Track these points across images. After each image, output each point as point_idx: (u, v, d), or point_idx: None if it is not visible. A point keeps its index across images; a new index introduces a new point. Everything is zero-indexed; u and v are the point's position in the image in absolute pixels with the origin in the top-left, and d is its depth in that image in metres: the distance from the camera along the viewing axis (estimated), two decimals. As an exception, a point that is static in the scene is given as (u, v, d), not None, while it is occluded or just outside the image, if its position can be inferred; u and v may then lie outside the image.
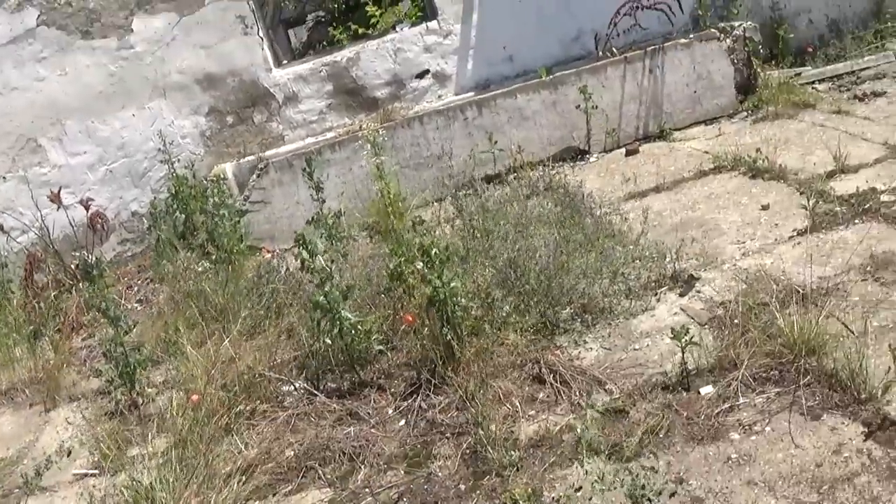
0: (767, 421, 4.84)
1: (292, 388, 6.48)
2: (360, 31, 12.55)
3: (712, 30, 10.84)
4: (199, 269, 8.61)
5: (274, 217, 10.41)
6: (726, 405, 5.04)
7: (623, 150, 10.53)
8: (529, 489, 4.68)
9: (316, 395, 6.26)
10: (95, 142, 11.00)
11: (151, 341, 7.77)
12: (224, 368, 6.53)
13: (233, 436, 5.97)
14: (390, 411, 5.97)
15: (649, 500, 4.39)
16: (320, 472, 5.47)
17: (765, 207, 7.67)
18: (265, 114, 11.22)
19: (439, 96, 11.40)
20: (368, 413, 5.95)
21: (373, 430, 5.75)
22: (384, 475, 5.30)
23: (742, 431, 4.81)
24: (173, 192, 10.12)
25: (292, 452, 5.71)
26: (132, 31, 10.82)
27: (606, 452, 4.84)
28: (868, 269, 6.17)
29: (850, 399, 4.80)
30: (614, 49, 10.94)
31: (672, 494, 4.44)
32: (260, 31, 11.01)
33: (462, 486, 4.99)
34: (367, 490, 5.19)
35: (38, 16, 10.64)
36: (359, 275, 7.46)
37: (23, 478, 6.28)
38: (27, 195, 10.81)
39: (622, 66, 10.67)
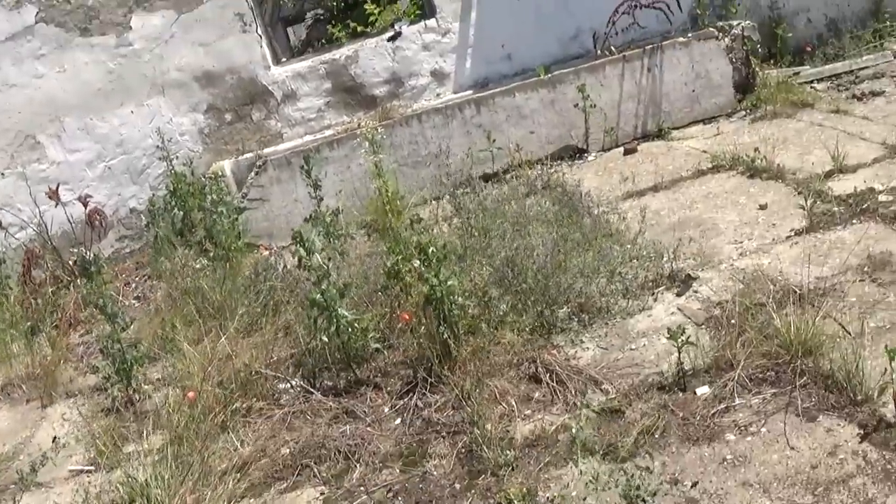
0: (763, 422, 4.83)
1: (288, 385, 6.48)
2: (359, 29, 12.56)
3: (711, 29, 10.84)
4: (197, 266, 8.61)
5: (272, 215, 10.42)
6: (722, 406, 5.03)
7: (621, 148, 10.53)
8: (524, 489, 4.67)
9: (312, 393, 6.26)
10: (94, 139, 11.01)
11: (148, 338, 7.77)
12: (221, 366, 6.52)
13: (229, 433, 5.97)
14: (386, 410, 5.96)
15: (644, 500, 4.39)
16: (315, 470, 5.47)
17: (762, 207, 7.67)
18: (264, 111, 11.22)
19: (438, 94, 11.40)
20: (364, 411, 5.95)
21: (368, 429, 5.75)
22: (379, 474, 5.30)
23: (738, 432, 4.81)
24: (171, 189, 10.12)
25: (288, 450, 5.71)
26: (131, 28, 10.82)
27: (601, 452, 4.84)
28: (865, 269, 6.17)
29: (846, 400, 4.80)
30: (613, 48, 10.94)
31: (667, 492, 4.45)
32: (258, 28, 11.01)
33: (457, 486, 4.99)
34: (362, 488, 5.20)
35: (37, 13, 10.64)
36: (356, 273, 7.46)
37: (18, 474, 6.27)
38: (26, 191, 10.81)
39: (621, 64, 10.67)
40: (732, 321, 5.75)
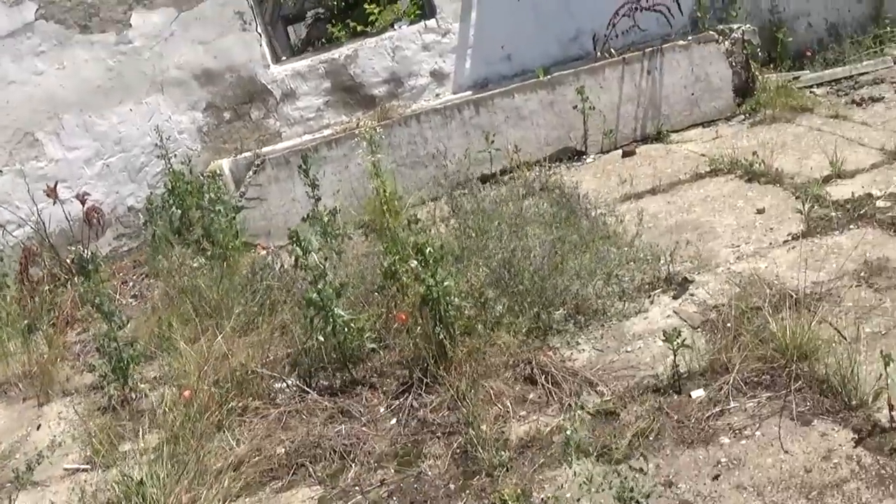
0: (758, 425, 4.84)
1: (284, 385, 6.48)
2: (359, 28, 12.57)
3: (711, 32, 10.84)
4: (195, 264, 8.60)
5: (270, 214, 10.42)
6: (717, 409, 5.04)
7: (620, 151, 10.53)
8: (519, 490, 4.68)
9: (308, 393, 6.27)
10: (93, 136, 11.00)
11: (145, 337, 7.77)
12: (217, 365, 6.52)
13: (224, 432, 5.98)
14: (382, 410, 5.97)
15: (638, 502, 4.39)
16: (311, 469, 5.49)
17: (760, 211, 7.68)
18: (263, 110, 11.22)
19: (437, 95, 11.40)
20: (360, 411, 5.96)
21: (364, 429, 5.75)
22: (374, 473, 5.31)
23: (732, 435, 4.82)
24: (170, 187, 10.11)
25: (283, 450, 5.72)
26: (130, 25, 10.81)
27: (596, 454, 4.85)
28: (862, 274, 6.18)
29: (840, 405, 4.81)
30: (612, 50, 10.95)
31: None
32: (258, 27, 11.01)
33: (452, 486, 5.00)
34: (357, 488, 5.20)
35: (37, 10, 10.63)
36: (353, 273, 7.46)
37: (14, 472, 6.26)
38: (24, 189, 10.81)
39: (620, 67, 10.67)
40: (728, 324, 5.77)
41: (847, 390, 4.82)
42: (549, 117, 10.64)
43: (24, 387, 7.88)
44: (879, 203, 7.23)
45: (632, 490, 4.43)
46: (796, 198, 7.65)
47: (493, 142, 10.14)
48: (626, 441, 4.87)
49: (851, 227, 6.97)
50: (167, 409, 6.14)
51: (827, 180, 7.96)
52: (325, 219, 8.08)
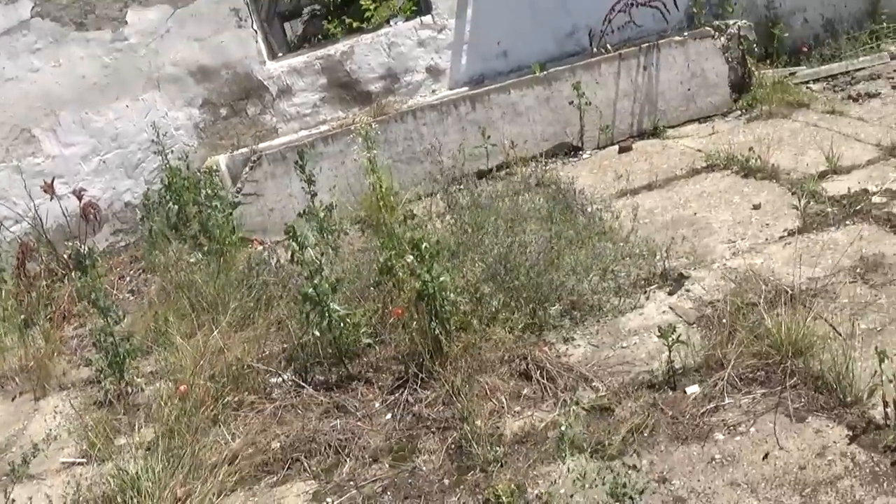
0: (752, 422, 4.85)
1: (280, 379, 6.49)
2: (355, 24, 12.56)
3: (707, 28, 10.83)
4: (191, 260, 8.62)
5: (266, 209, 10.41)
6: (712, 405, 5.05)
7: (616, 146, 10.51)
8: (513, 485, 4.69)
9: (303, 388, 6.28)
10: (89, 133, 10.99)
11: (141, 332, 7.78)
12: (213, 359, 6.54)
13: (220, 427, 5.98)
14: (377, 405, 5.98)
15: (631, 498, 4.40)
16: (306, 464, 5.50)
17: (756, 207, 7.68)
18: (259, 106, 11.21)
19: (433, 91, 11.39)
20: (355, 406, 5.97)
21: (359, 424, 5.77)
22: (369, 468, 5.33)
23: (727, 432, 4.82)
24: (166, 183, 10.10)
25: (278, 444, 5.73)
26: (126, 22, 10.79)
27: (590, 450, 4.85)
28: (857, 270, 6.18)
29: (835, 402, 4.82)
30: (609, 46, 10.93)
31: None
32: (254, 23, 11.00)
33: (446, 481, 5.01)
34: (351, 483, 5.22)
35: (33, 7, 10.61)
36: (349, 268, 7.47)
37: (10, 465, 6.28)
38: (20, 185, 10.81)
39: (616, 62, 10.66)
40: (724, 320, 5.77)
41: (842, 387, 4.82)
42: (546, 113, 10.63)
43: (21, 381, 7.88)
44: (875, 199, 7.23)
45: (625, 486, 4.44)
46: (792, 193, 7.63)
47: (489, 137, 10.13)
48: (620, 437, 4.89)
49: (847, 223, 6.97)
50: (163, 404, 6.14)
51: (823, 176, 7.96)
52: (322, 214, 8.08)
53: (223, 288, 7.77)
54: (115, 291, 9.58)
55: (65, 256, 9.87)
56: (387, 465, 5.31)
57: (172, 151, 10.57)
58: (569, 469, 4.73)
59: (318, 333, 6.30)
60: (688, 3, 11.25)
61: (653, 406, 5.16)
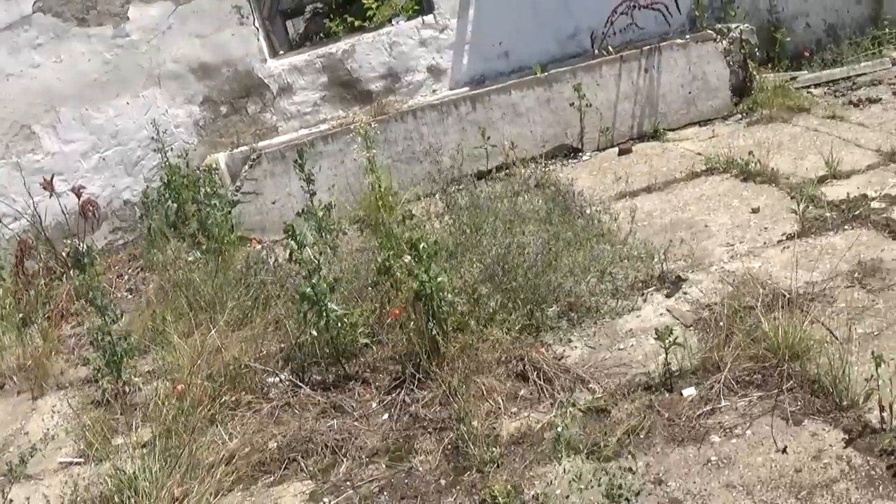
0: (748, 424, 4.85)
1: (277, 379, 6.49)
2: (357, 23, 12.57)
3: (709, 31, 10.83)
4: (190, 258, 8.62)
5: (265, 208, 10.41)
6: (708, 407, 5.06)
7: (616, 149, 10.52)
8: (509, 486, 4.69)
9: (301, 387, 6.28)
10: (89, 129, 10.99)
11: (139, 331, 7.77)
12: (210, 359, 6.54)
13: (217, 426, 5.99)
14: (374, 405, 5.99)
15: (627, 499, 4.41)
16: (302, 463, 5.50)
17: (755, 210, 7.68)
18: (259, 104, 11.21)
19: (434, 91, 11.39)
20: (352, 406, 5.97)
21: (356, 424, 5.77)
22: (366, 468, 5.33)
23: (723, 434, 4.83)
24: (166, 181, 10.10)
25: (275, 444, 5.73)
26: (128, 19, 10.79)
27: (586, 451, 4.86)
28: (855, 275, 6.19)
29: (831, 405, 4.82)
30: (610, 48, 10.93)
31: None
32: (255, 21, 11.00)
33: (442, 482, 5.02)
34: (348, 483, 5.22)
35: (34, 2, 10.61)
36: (347, 267, 7.47)
37: (8, 465, 6.28)
38: (20, 182, 10.79)
39: (618, 64, 10.66)
40: (721, 323, 5.79)
41: (838, 391, 4.83)
42: (546, 114, 10.64)
43: (19, 380, 7.88)
44: (874, 204, 7.24)
45: (621, 487, 4.45)
46: (791, 198, 7.63)
47: (489, 138, 10.14)
48: (616, 438, 4.89)
49: (846, 227, 6.98)
50: (160, 403, 6.14)
51: (822, 181, 7.97)
52: (320, 213, 8.08)
53: (221, 287, 7.77)
54: (113, 290, 9.58)
55: (63, 254, 9.86)
56: (383, 466, 5.31)
57: (172, 149, 10.58)
58: (565, 470, 4.73)
59: (315, 333, 6.30)
60: (690, 6, 11.26)
61: (649, 408, 5.16)
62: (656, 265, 6.90)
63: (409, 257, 5.97)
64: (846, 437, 4.56)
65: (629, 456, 4.79)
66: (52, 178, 10.25)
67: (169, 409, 5.99)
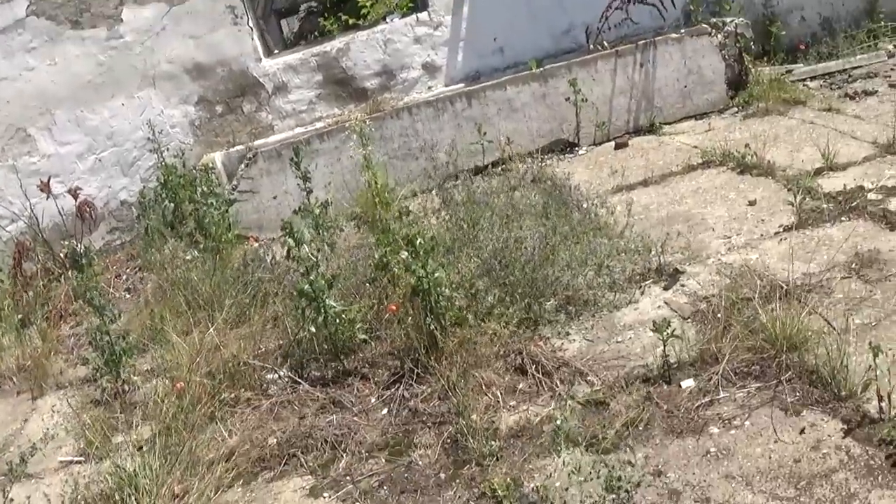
0: (747, 415, 4.86)
1: (276, 376, 6.50)
2: (351, 21, 12.56)
3: (704, 25, 10.84)
4: (187, 257, 8.62)
5: (262, 206, 10.42)
6: (706, 399, 5.06)
7: (612, 143, 10.53)
8: (508, 479, 4.69)
9: (299, 384, 6.29)
10: (85, 131, 10.99)
11: (138, 330, 7.77)
12: (209, 357, 6.56)
13: (216, 423, 6.01)
14: (373, 400, 5.99)
15: (626, 491, 4.41)
16: (302, 459, 5.51)
17: (752, 203, 7.68)
18: (255, 103, 11.20)
19: (429, 87, 11.38)
20: (351, 401, 5.98)
21: (355, 419, 5.78)
22: (365, 463, 5.34)
23: (721, 425, 4.83)
24: (162, 181, 10.12)
25: (275, 440, 5.74)
26: (122, 21, 10.78)
27: (585, 444, 4.86)
28: (853, 266, 6.19)
29: (830, 396, 4.82)
30: (605, 43, 10.94)
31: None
32: (249, 21, 10.99)
33: (442, 475, 5.02)
34: (347, 478, 5.23)
35: (28, 6, 10.61)
36: (344, 264, 7.48)
37: (8, 465, 6.29)
38: (16, 184, 10.80)
39: (613, 59, 10.67)
40: (718, 315, 5.80)
41: (836, 381, 4.83)
42: (542, 109, 10.65)
43: (18, 380, 7.90)
44: (871, 196, 7.24)
45: (620, 479, 4.45)
46: (788, 190, 7.65)
47: (485, 134, 10.14)
48: (615, 431, 4.89)
49: (843, 219, 6.98)
50: (160, 401, 6.16)
51: (819, 173, 7.96)
52: (317, 211, 8.09)
53: (219, 285, 7.76)
54: (111, 290, 9.58)
55: (61, 255, 9.88)
56: (383, 460, 5.32)
57: (168, 149, 10.58)
58: (564, 463, 4.74)
59: (313, 329, 6.31)
60: (684, 1, 11.25)
61: (648, 400, 5.16)
62: (653, 258, 6.90)
63: (406, 253, 5.98)
64: (845, 427, 4.56)
65: (628, 448, 4.80)
66: (48, 180, 10.28)
67: (168, 407, 6.01)
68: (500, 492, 4.59)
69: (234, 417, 6.10)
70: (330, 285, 6.29)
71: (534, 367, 5.71)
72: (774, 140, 9.03)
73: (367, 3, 12.76)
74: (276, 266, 8.00)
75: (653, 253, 6.95)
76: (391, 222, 7.47)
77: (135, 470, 5.26)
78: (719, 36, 10.70)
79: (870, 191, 7.33)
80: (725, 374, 5.19)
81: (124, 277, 10.17)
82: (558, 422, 4.86)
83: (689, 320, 5.96)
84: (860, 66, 11.33)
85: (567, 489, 4.55)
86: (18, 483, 6.14)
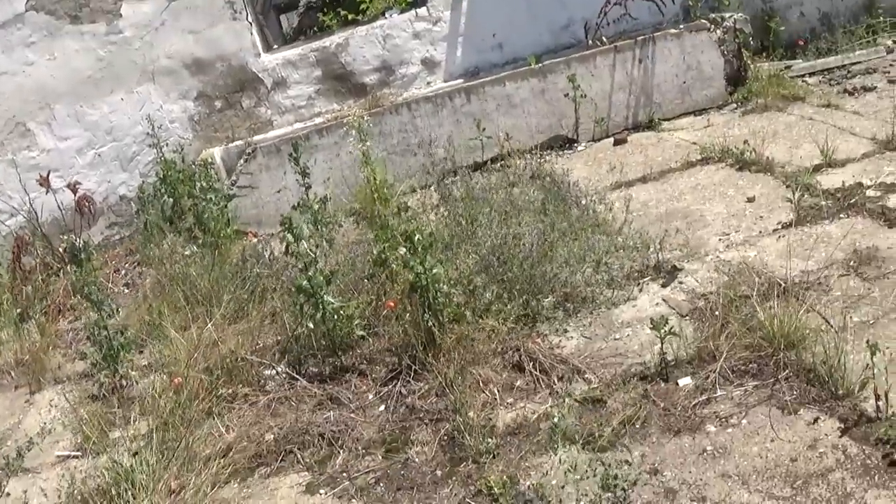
0: (744, 414, 4.85)
1: (274, 372, 6.49)
2: (350, 17, 12.57)
3: (703, 21, 10.83)
4: (186, 252, 8.61)
5: (261, 202, 10.43)
6: (704, 397, 5.06)
7: (611, 139, 10.54)
8: (505, 476, 4.70)
9: (297, 380, 6.28)
10: (84, 126, 10.99)
11: (136, 325, 7.79)
12: (207, 352, 6.55)
13: (214, 419, 6.00)
14: (370, 396, 5.99)
15: (622, 489, 4.41)
16: (299, 455, 5.51)
17: (750, 200, 7.68)
18: (254, 99, 11.20)
19: (428, 83, 11.37)
20: (349, 398, 5.97)
21: (352, 415, 5.77)
22: (362, 460, 5.34)
23: (718, 424, 4.83)
24: (161, 176, 10.11)
25: (272, 436, 5.73)
26: (121, 15, 10.79)
27: (582, 442, 4.86)
28: (851, 263, 6.18)
29: (827, 394, 4.81)
30: (604, 38, 10.93)
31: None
32: (249, 16, 10.99)
33: (438, 472, 5.02)
34: (344, 474, 5.22)
35: (27, 1, 10.61)
36: (343, 260, 7.48)
37: (5, 459, 6.28)
38: (16, 179, 10.80)
39: (612, 55, 10.67)
40: (716, 313, 5.79)
41: (834, 380, 4.82)
42: (541, 105, 10.65)
43: (16, 375, 7.90)
44: (870, 192, 7.23)
45: (616, 477, 4.45)
46: (787, 187, 7.65)
47: (483, 130, 10.15)
48: (612, 428, 4.89)
49: (841, 216, 6.97)
50: (157, 397, 6.16)
51: (817, 169, 7.96)
52: (316, 206, 8.08)
53: (217, 281, 7.76)
54: (110, 285, 9.57)
55: (60, 250, 9.88)
56: (380, 457, 5.31)
57: (167, 144, 10.57)
58: (561, 460, 4.74)
59: (311, 325, 6.30)
60: (684, -4, 11.27)
61: (645, 398, 5.16)
62: (652, 255, 6.90)
63: (404, 249, 5.97)
64: (842, 426, 4.56)
65: (625, 446, 4.79)
66: (48, 175, 10.28)
67: (166, 403, 6.01)
68: (496, 489, 4.59)
69: (231, 413, 6.09)
70: (328, 281, 6.29)
71: (531, 364, 5.71)
72: (773, 136, 9.03)
73: (366, -1, 12.78)
74: (274, 262, 7.99)
75: (651, 250, 6.95)
76: (390, 218, 7.45)
77: (132, 465, 5.27)
78: (718, 31, 10.70)
79: (868, 187, 7.32)
80: (723, 371, 5.18)
81: (123, 272, 10.17)
82: (555, 419, 4.85)
83: (686, 318, 5.95)
84: (859, 62, 11.32)
85: (563, 487, 4.55)
86: (15, 477, 6.14)
